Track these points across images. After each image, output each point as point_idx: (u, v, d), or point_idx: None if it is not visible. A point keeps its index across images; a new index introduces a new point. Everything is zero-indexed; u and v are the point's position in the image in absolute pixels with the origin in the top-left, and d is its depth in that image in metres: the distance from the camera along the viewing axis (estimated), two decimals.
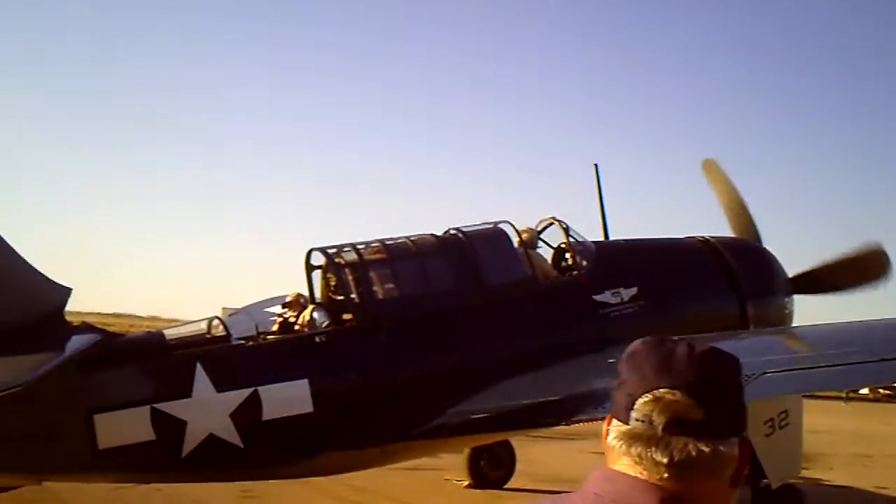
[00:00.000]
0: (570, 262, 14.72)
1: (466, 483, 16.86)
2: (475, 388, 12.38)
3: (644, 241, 16.10)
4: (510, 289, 13.63)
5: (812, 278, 16.43)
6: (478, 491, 16.56)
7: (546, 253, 14.88)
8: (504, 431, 13.11)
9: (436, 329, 13.11)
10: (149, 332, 12.96)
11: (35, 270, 11.47)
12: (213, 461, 11.77)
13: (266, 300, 16.28)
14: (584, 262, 14.53)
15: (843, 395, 69.12)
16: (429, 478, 17.69)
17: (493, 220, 14.16)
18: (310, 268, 13.64)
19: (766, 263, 16.22)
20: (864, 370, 10.54)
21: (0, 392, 9.64)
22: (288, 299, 13.57)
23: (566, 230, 14.72)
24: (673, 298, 14.84)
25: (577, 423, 12.11)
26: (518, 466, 17.44)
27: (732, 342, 13.56)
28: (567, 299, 14.13)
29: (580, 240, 14.83)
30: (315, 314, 12.87)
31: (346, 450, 12.30)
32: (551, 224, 14.91)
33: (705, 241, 16.04)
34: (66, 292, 11.56)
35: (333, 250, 13.38)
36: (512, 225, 13.99)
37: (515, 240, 14.03)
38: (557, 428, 24.39)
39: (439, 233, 14.11)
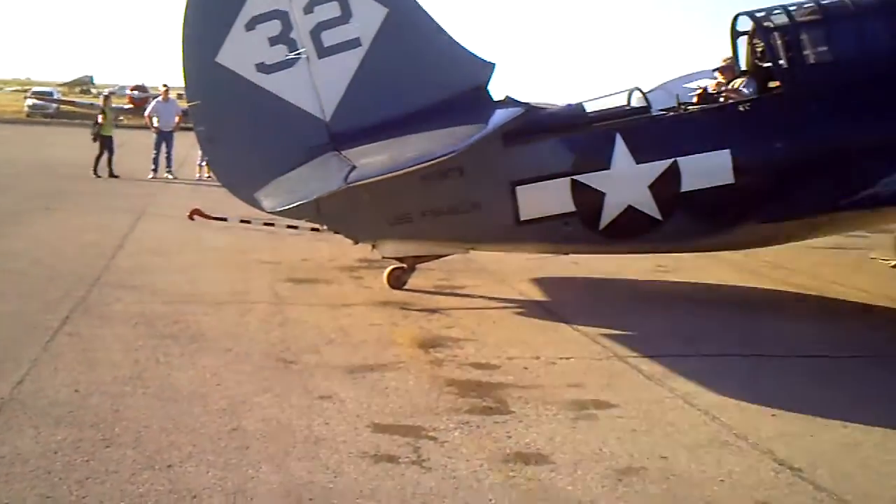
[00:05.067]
0: None
1: (894, 263, 15.69)
2: None
3: None
4: None
5: None
6: None
7: None
8: None
9: (871, 96, 11.87)
10: (569, 105, 12.88)
11: (460, 46, 11.70)
12: (631, 233, 11.80)
13: (684, 76, 15.73)
14: None
15: None
16: (852, 256, 16.80)
17: None
18: (735, 34, 12.87)
19: None
20: None
21: (432, 159, 10.00)
22: (721, 64, 12.83)
23: None
24: None
25: None
26: None
27: None
28: None
29: None
30: (741, 84, 12.17)
31: (767, 222, 11.82)
32: None
33: None
34: (490, 67, 11.72)
35: (762, 13, 12.43)
36: None
37: None
38: None
39: None
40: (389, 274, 12.54)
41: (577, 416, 7.78)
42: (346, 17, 11.20)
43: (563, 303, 12.31)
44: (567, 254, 13.29)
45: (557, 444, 7.13)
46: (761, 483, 6.54)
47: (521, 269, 14.13)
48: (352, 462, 6.55)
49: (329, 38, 11.21)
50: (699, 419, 7.82)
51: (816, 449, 7.20)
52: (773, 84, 12.21)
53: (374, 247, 12.26)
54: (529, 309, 11.91)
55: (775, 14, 12.37)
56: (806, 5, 12.38)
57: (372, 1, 11.25)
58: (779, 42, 12.19)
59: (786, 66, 12.08)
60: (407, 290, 12.42)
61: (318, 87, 11.25)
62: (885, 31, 12.19)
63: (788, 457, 6.97)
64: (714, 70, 13.05)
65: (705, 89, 12.64)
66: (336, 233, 12.26)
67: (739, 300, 13.05)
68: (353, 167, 10.19)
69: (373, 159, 10.50)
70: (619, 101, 12.20)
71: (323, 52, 11.22)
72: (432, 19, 11.62)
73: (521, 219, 11.53)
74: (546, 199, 11.52)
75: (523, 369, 9.14)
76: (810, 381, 9.09)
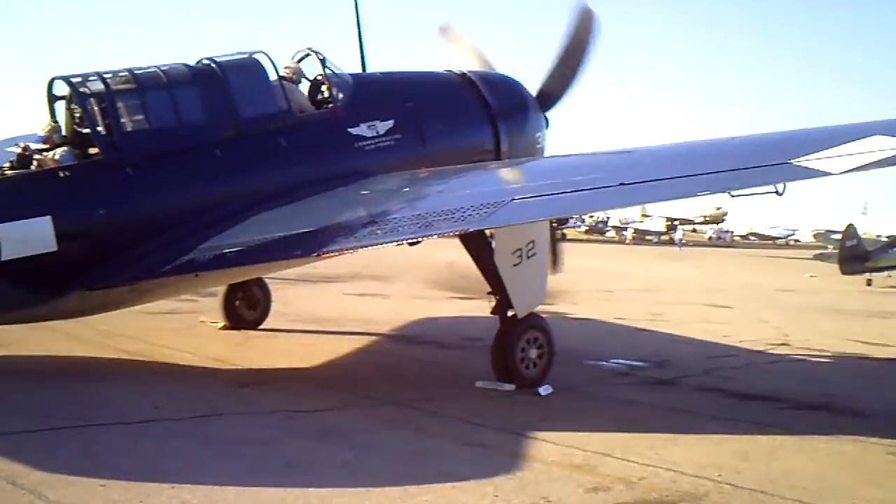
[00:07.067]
0: (326, 94, 14.36)
1: (221, 325, 16.62)
2: (226, 222, 12.11)
3: (402, 74, 15.84)
4: (263, 121, 13.20)
5: (547, 89, 16.72)
6: (233, 332, 16.37)
7: (303, 86, 14.46)
8: (254, 265, 12.91)
9: (186, 163, 12.60)
10: None
11: None
12: None
13: (7, 139, 15.13)
14: (340, 95, 14.22)
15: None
16: (184, 321, 17.34)
17: (249, 51, 13.57)
18: (52, 98, 12.71)
19: (520, 97, 16.41)
20: (605, 195, 10.93)
21: None
22: (42, 132, 12.53)
23: (322, 62, 14.26)
24: (429, 132, 14.80)
25: (327, 254, 12.14)
26: (273, 307, 17.42)
27: (483, 173, 13.86)
28: (322, 132, 13.87)
29: (337, 72, 14.45)
30: (60, 151, 12.03)
31: (94, 289, 11.82)
32: (307, 55, 14.45)
33: (463, 75, 16.03)
34: None
35: (78, 79, 12.41)
36: (267, 55, 13.43)
37: (271, 71, 13.49)
38: (314, 271, 24.84)
39: (192, 63, 13.35)
40: None
41: None
42: None
43: None
44: None
45: None
46: None
47: None
48: None
49: None
50: (25, 499, 7.28)
51: None
52: (93, 150, 12.28)
53: None
54: None
55: (91, 80, 12.45)
56: (121, 73, 12.65)
57: None
58: (96, 108, 12.30)
59: (104, 132, 12.22)
60: None
61: None
62: (196, 100, 12.97)
63: None
64: (39, 138, 12.78)
65: (23, 154, 12.27)
66: None
67: (77, 370, 12.70)
68: None
69: None
70: None
71: None
72: None
73: None
74: None
75: None
76: (147, 448, 8.94)
